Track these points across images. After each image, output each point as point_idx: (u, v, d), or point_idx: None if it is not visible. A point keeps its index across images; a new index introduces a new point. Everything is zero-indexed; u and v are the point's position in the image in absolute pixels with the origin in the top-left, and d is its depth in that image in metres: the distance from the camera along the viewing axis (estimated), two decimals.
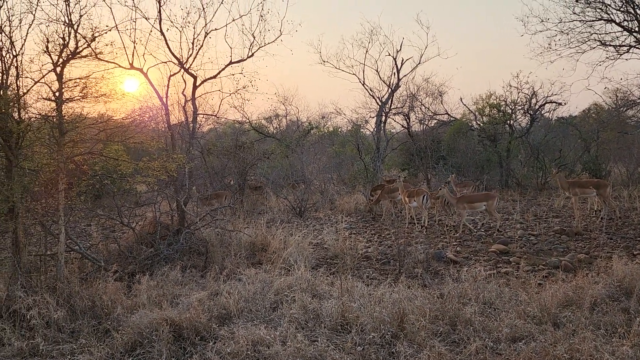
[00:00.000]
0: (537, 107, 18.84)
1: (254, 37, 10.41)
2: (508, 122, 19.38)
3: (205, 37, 9.61)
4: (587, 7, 12.14)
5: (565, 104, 18.47)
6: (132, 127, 7.38)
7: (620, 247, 9.44)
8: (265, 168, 19.90)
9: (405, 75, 22.00)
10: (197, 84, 9.84)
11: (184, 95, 10.28)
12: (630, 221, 11.91)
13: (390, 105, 22.62)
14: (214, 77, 10.12)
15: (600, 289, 6.06)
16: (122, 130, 6.78)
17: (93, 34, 6.74)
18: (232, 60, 10.16)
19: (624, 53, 12.26)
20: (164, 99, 9.75)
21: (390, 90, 22.21)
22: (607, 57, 12.38)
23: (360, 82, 21.50)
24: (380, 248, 10.02)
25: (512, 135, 19.09)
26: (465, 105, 23.03)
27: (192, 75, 9.67)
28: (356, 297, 6.25)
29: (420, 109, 23.08)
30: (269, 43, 10.23)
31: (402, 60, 22.72)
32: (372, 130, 21.61)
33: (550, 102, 18.64)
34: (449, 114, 22.92)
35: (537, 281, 6.92)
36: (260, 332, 5.23)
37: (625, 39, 12.45)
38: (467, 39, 49.99)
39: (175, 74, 9.76)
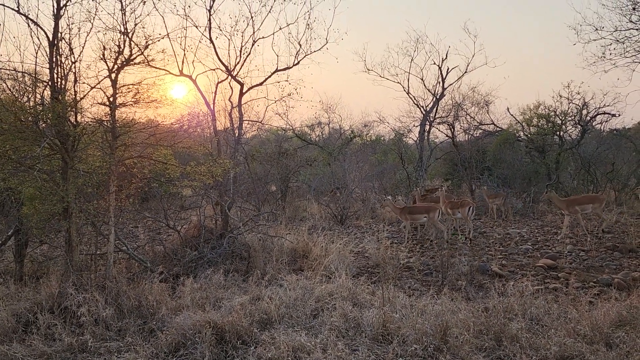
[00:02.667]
0: (588, 118, 18.14)
1: (300, 45, 10.52)
2: (557, 133, 18.74)
3: (252, 45, 9.78)
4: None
5: (619, 115, 17.70)
6: (181, 133, 7.56)
7: None
8: (307, 175, 20.01)
9: (451, 85, 21.71)
10: (244, 91, 10.00)
11: (231, 102, 10.49)
12: None
13: (435, 115, 22.35)
14: (261, 84, 10.28)
15: None
16: (171, 135, 6.96)
17: (146, 42, 6.98)
18: (279, 68, 10.30)
19: None
20: (211, 105, 9.98)
21: (435, 99, 21.94)
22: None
23: (404, 90, 21.37)
24: (422, 259, 9.87)
25: (562, 146, 18.43)
26: (512, 115, 22.46)
27: (239, 82, 9.86)
28: (398, 308, 6.16)
29: (466, 118, 22.69)
30: (315, 51, 10.32)
31: (448, 69, 22.42)
32: (415, 139, 21.38)
33: (603, 113, 17.92)
34: (495, 124, 22.40)
35: (588, 299, 6.61)
36: (301, 339, 5.23)
37: None
38: (515, 47, 48.91)
39: (222, 80, 9.98)
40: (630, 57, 12.49)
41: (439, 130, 21.60)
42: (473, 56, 25.68)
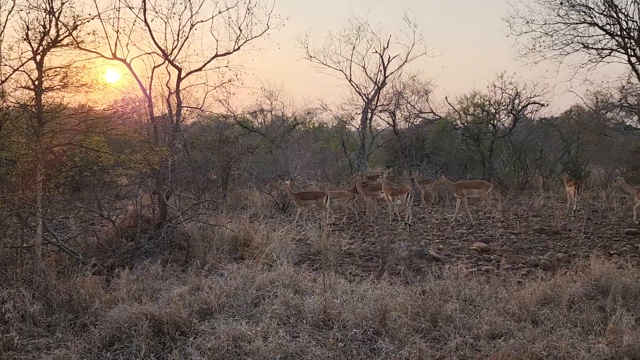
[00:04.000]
0: (520, 107, 19.04)
1: (241, 30, 10.32)
2: (491, 122, 19.56)
3: (190, 28, 9.49)
4: (572, 9, 12.30)
5: (547, 105, 18.72)
6: (114, 119, 7.23)
7: (597, 247, 9.60)
8: (249, 163, 19.78)
9: (392, 73, 22.01)
10: (182, 76, 9.71)
11: (168, 88, 10.14)
12: (607, 221, 12.12)
13: (377, 103, 22.68)
14: (200, 69, 10.01)
15: (577, 288, 6.14)
16: (104, 121, 6.65)
17: (75, 22, 6.59)
18: (218, 53, 10.07)
19: (606, 56, 12.45)
20: (148, 91, 9.61)
21: (376, 87, 22.24)
22: (590, 60, 12.55)
23: (347, 78, 21.44)
24: (363, 245, 10.04)
25: (495, 134, 19.27)
26: (450, 104, 23.21)
27: (176, 67, 9.55)
28: (339, 294, 6.24)
29: (406, 106, 23.18)
30: (255, 37, 10.16)
31: (389, 57, 22.77)
32: (357, 127, 21.60)
33: (533, 102, 18.87)
34: (434, 113, 23.04)
35: (517, 279, 6.98)
36: (242, 328, 5.18)
37: (607, 42, 12.65)
38: (453, 38, 50.20)
39: (159, 65, 9.62)
40: (557, 49, 13.18)
41: (381, 118, 21.95)
42: (413, 45, 26.12)
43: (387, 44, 21.98)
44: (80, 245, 8.84)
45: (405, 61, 21.21)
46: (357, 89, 21.38)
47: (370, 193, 13.19)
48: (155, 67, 9.59)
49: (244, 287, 6.63)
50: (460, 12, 52.58)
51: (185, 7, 9.64)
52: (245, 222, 10.22)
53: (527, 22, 12.78)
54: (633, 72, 12.46)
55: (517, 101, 19.10)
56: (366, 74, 21.69)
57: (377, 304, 5.45)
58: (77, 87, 6.41)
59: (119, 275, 6.80)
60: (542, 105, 18.79)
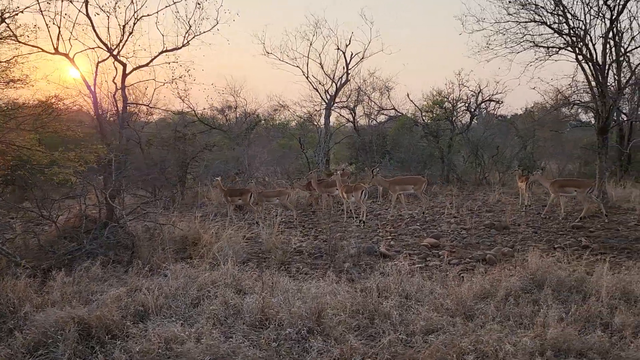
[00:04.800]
0: (476, 105, 19.36)
1: (190, 26, 10.13)
2: (449, 118, 19.82)
3: (135, 22, 9.24)
4: (522, 8, 12.52)
5: (501, 102, 19.06)
6: (44, 116, 6.94)
7: (543, 241, 9.84)
8: (209, 160, 19.49)
9: (351, 69, 22.06)
10: (127, 72, 9.46)
11: (115, 83, 9.89)
12: (555, 216, 12.44)
13: (334, 99, 22.65)
14: (146, 65, 9.81)
15: (514, 282, 6.26)
16: (34, 118, 6.39)
17: (2, 14, 6.31)
18: (166, 49, 9.85)
19: (553, 54, 12.75)
20: (92, 87, 9.34)
21: (339, 83, 22.25)
22: (537, 58, 12.83)
23: (304, 74, 21.34)
24: (315, 242, 10.01)
25: (453, 131, 19.54)
26: (411, 101, 23.44)
27: (121, 62, 9.30)
28: (280, 292, 6.18)
29: (368, 103, 23.28)
30: (204, 32, 9.98)
31: (352, 54, 22.83)
32: (317, 123, 21.54)
33: (490, 100, 19.20)
34: (395, 109, 23.21)
35: (459, 274, 7.07)
36: (175, 329, 5.07)
37: (555, 39, 12.94)
38: (415, 36, 50.74)
39: (103, 60, 9.39)
40: (509, 47, 13.40)
41: (341, 114, 21.96)
42: (369, 42, 26.18)
43: (350, 41, 22.05)
44: (19, 247, 8.52)
45: (362, 58, 21.22)
46: (314, 85, 21.28)
47: (326, 190, 13.19)
48: (99, 62, 9.34)
49: (185, 288, 6.50)
50: (421, 9, 53.12)
51: (132, 1, 9.42)
52: (196, 220, 10.07)
53: (478, 20, 12.95)
54: (580, 70, 12.77)
55: (473, 99, 19.41)
56: (323, 70, 21.63)
57: (313, 302, 5.41)
58: (7, 82, 6.12)
59: (55, 277, 6.57)
60: (498, 102, 19.15)
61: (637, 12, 13.11)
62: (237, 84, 31.10)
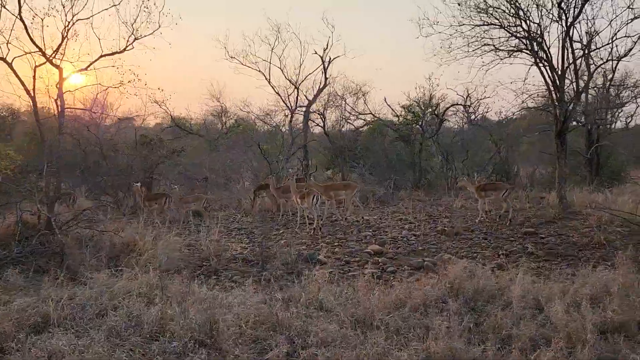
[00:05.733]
0: (443, 110, 19.27)
1: (134, 29, 9.97)
2: (419, 123, 19.71)
3: (71, 25, 9.10)
4: (481, 12, 12.40)
5: (469, 106, 18.96)
6: None
7: (490, 247, 9.70)
8: (177, 166, 19.27)
9: (311, 73, 21.77)
10: (64, 77, 9.30)
11: (57, 88, 9.72)
12: (511, 221, 12.29)
13: (297, 104, 22.49)
14: (85, 69, 9.62)
15: (431, 291, 6.11)
16: None
17: None
18: (104, 53, 9.69)
19: (506, 57, 12.66)
20: (32, 92, 9.19)
21: (294, 88, 22.03)
22: (492, 60, 12.73)
23: (266, 79, 20.98)
24: (258, 249, 9.83)
25: (423, 136, 19.42)
26: (389, 105, 23.29)
27: (56, 66, 9.14)
28: (190, 302, 6.00)
29: (341, 108, 23.15)
30: (146, 35, 9.82)
31: (330, 58, 22.73)
32: (285, 129, 21.37)
33: (457, 104, 19.12)
34: (372, 114, 23.06)
35: (385, 282, 6.92)
36: (61, 343, 4.90)
37: (507, 40, 12.83)
38: (391, 39, 50.48)
39: (40, 65, 9.21)
40: (470, 50, 13.28)
41: (311, 120, 21.78)
42: (331, 46, 25.99)
43: (327, 45, 21.97)
44: None
45: (323, 62, 21.01)
46: (275, 89, 20.91)
47: (283, 195, 13.06)
48: (37, 67, 9.17)
49: (98, 298, 6.33)
50: (391, 13, 52.92)
51: (73, 4, 9.26)
52: (140, 225, 9.93)
53: (430, 24, 12.83)
54: (537, 74, 12.66)
55: (443, 103, 19.32)
56: (284, 75, 21.29)
57: (205, 313, 5.25)
58: None
59: None
60: (465, 106, 19.05)
61: (596, 14, 12.95)
62: (217, 89, 31.05)
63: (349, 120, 23.53)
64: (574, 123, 16.12)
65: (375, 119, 22.62)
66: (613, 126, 21.94)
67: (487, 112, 21.55)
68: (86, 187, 16.55)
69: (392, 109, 21.99)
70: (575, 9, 11.98)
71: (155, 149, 16.97)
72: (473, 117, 22.06)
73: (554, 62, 12.47)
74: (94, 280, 7.03)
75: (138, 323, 5.56)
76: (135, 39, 9.66)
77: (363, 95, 22.97)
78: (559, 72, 12.31)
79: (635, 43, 14.50)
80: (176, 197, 12.51)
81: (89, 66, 9.45)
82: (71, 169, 15.46)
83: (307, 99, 23.99)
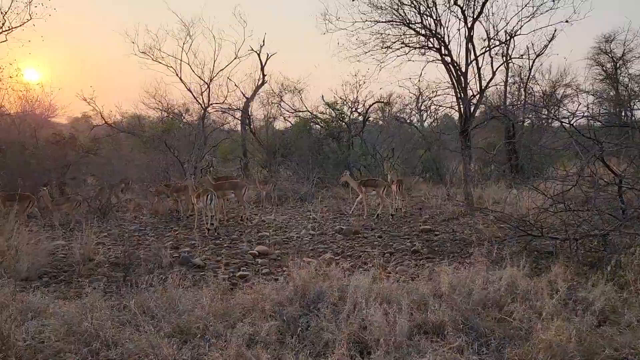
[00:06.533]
0: (368, 106, 19.24)
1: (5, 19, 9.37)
2: (344, 121, 19.60)
3: None
4: (379, 10, 12.28)
5: (388, 103, 18.97)
6: None
7: (381, 245, 9.57)
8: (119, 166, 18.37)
9: (221, 70, 21.29)
10: None
11: None
12: (415, 219, 12.26)
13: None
14: None
15: (273, 295, 5.85)
16: None
17: None
18: None
19: (403, 54, 12.61)
20: None
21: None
22: (392, 55, 12.66)
23: (177, 75, 20.33)
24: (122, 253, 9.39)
25: (349, 133, 19.32)
26: (326, 103, 23.08)
27: None
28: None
29: (279, 105, 22.84)
30: (15, 27, 9.23)
31: (267, 55, 22.43)
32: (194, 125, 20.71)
33: (378, 102, 19.09)
34: (309, 111, 22.80)
35: (229, 286, 6.64)
36: None
37: (419, 40, 12.79)
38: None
39: None
40: (377, 48, 13.13)
41: (234, 117, 21.35)
42: (243, 42, 25.68)
43: (263, 42, 21.66)
44: None
45: (235, 57, 20.61)
46: (187, 86, 20.24)
47: (177, 195, 12.70)
48: None
49: None
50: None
51: None
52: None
53: (330, 20, 12.64)
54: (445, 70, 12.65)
55: (370, 100, 19.25)
56: (193, 72, 20.71)
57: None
58: None
59: None
60: (386, 103, 19.05)
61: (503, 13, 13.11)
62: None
63: (288, 119, 23.31)
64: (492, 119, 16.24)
65: (314, 115, 22.36)
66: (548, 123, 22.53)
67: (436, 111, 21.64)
68: None
69: (329, 104, 21.89)
70: (475, 8, 12.03)
71: (67, 147, 16.23)
72: (425, 115, 22.21)
73: (459, 59, 12.49)
74: None
75: None
76: (2, 31, 9.04)
77: (299, 92, 22.77)
78: (462, 70, 12.34)
79: (550, 41, 14.92)
80: (47, 200, 11.89)
81: None
82: None
83: (244, 96, 23.69)
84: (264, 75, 23.88)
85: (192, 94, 19.76)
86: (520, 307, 5.24)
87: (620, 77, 23.40)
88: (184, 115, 20.76)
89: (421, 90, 13.78)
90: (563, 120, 7.78)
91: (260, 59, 23.72)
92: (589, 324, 4.99)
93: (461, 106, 12.47)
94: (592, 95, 19.52)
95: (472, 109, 12.49)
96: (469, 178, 12.75)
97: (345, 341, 4.64)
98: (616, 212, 7.80)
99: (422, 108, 20.99)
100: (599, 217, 7.59)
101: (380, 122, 20.61)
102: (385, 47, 13.01)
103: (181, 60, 19.84)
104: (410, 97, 21.72)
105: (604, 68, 23.93)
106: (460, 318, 5.00)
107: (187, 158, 15.16)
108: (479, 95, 12.58)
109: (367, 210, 12.94)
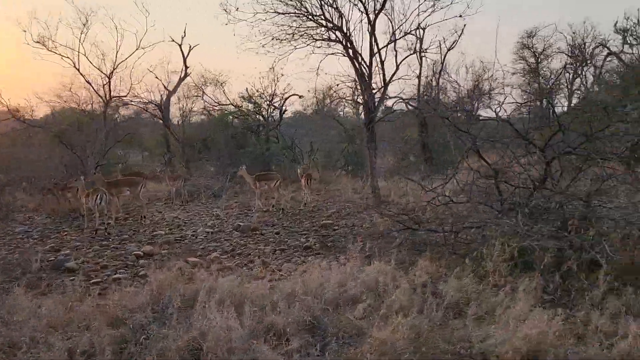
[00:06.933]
0: (283, 100, 19.03)
1: None
2: (261, 114, 19.31)
3: None
4: (278, 1, 12.01)
5: (301, 97, 18.90)
6: None
7: (274, 243, 9.39)
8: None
9: (123, 60, 20.21)
10: None
11: None
12: (320, 214, 12.18)
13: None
14: None
15: (131, 300, 5.52)
16: None
17: None
18: None
19: (304, 44, 12.48)
20: None
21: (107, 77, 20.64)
22: (291, 48, 12.48)
23: (74, 66, 18.88)
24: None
25: (267, 127, 19.04)
26: (250, 97, 22.53)
27: None
28: None
29: (202, 98, 22.16)
30: None
31: (190, 47, 21.67)
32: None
33: (294, 95, 18.95)
34: (233, 104, 22.20)
35: (97, 291, 6.24)
36: None
37: (326, 34, 12.65)
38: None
39: None
40: (286, 41, 12.84)
41: (147, 110, 20.53)
42: (146, 32, 24.81)
43: (185, 33, 20.83)
44: None
45: (138, 48, 19.70)
46: (86, 79, 18.86)
47: (62, 194, 12.07)
48: None
49: None
50: None
51: None
52: None
53: (229, 11, 12.26)
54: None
55: (285, 94, 19.03)
56: (90, 62, 19.40)
57: None
58: None
59: None
60: (301, 96, 18.95)
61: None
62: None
63: (212, 112, 22.63)
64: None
65: (239, 108, 21.75)
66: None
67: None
68: None
69: (253, 98, 21.40)
70: (377, 2, 12.04)
71: None
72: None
73: (362, 52, 12.47)
74: None
75: None
76: None
77: (221, 85, 22.16)
78: (366, 63, 12.34)
79: (460, 36, 15.24)
80: None
81: None
82: None
83: (166, 89, 22.78)
84: (186, 68, 23.12)
85: (92, 86, 18.58)
86: (374, 303, 5.21)
87: (542, 71, 24.22)
88: (93, 109, 19.50)
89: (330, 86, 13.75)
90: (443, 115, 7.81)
91: (182, 51, 22.96)
92: (439, 318, 5.03)
93: (366, 99, 12.46)
94: (513, 87, 20.20)
95: (375, 102, 12.52)
96: (374, 171, 12.80)
97: (183, 349, 4.44)
98: (495, 204, 7.98)
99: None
100: (476, 210, 7.75)
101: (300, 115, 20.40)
102: (285, 40, 12.64)
103: (78, 52, 18.53)
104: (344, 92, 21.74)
105: (528, 62, 24.71)
106: (308, 318, 4.88)
107: (89, 154, 14.31)
108: (383, 89, 12.61)
109: (262, 205, 13.00)
